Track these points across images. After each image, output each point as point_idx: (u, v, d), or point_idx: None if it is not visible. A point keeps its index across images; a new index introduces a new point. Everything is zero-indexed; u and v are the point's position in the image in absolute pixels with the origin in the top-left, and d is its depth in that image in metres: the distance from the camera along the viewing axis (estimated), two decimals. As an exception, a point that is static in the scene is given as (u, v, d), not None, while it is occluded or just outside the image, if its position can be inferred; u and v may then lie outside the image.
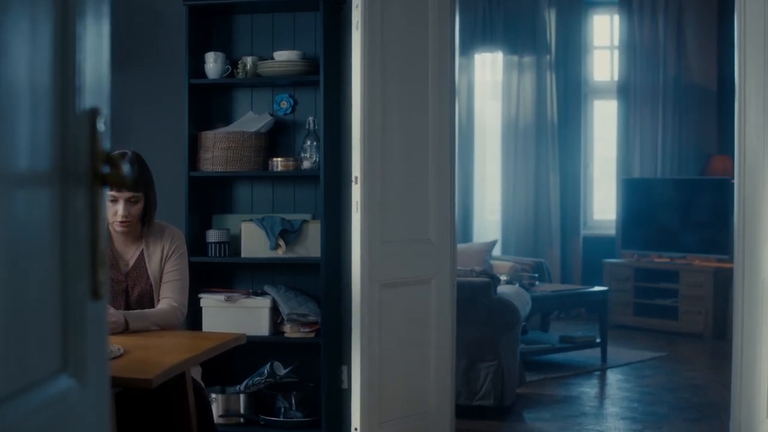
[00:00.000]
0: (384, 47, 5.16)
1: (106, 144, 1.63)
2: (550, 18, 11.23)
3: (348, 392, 5.45)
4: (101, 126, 1.61)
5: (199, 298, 5.68)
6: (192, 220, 5.71)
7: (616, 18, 11.34)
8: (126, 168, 4.12)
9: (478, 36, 11.24)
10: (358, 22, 5.02)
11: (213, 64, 5.72)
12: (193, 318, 5.64)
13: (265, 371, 5.50)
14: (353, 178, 5.07)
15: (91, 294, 1.62)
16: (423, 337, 5.45)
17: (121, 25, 6.03)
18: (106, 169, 1.60)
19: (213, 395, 5.59)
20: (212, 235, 5.71)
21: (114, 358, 3.35)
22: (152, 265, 4.28)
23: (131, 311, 4.08)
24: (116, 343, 3.58)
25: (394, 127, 5.25)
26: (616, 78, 11.37)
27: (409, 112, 5.35)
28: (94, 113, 1.60)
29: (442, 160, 5.51)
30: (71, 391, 1.54)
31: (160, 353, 3.60)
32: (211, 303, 5.67)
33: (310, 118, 5.73)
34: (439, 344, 5.52)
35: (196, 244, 5.71)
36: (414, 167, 5.38)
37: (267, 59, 5.74)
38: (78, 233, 1.57)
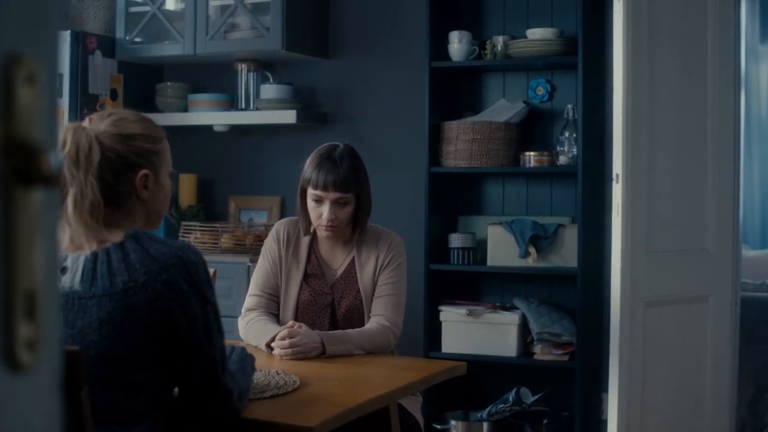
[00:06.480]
0: (651, 24, 4.43)
1: (43, 116, 0.97)
2: None
3: (611, 423, 4.72)
4: (27, 86, 0.95)
5: (439, 311, 5.05)
6: (433, 221, 5.08)
7: None
8: (342, 166, 3.58)
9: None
10: (619, -7, 4.31)
11: (458, 44, 5.06)
12: (431, 333, 5.06)
13: (510, 398, 4.81)
14: (614, 176, 4.38)
15: (5, 361, 0.96)
16: (697, 362, 4.70)
17: (354, 3, 5.50)
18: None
19: (453, 422, 4.96)
20: (455, 240, 5.05)
21: (282, 394, 2.73)
22: (364, 276, 3.64)
23: (330, 332, 3.45)
24: (296, 373, 2.97)
25: (664, 117, 4.51)
26: None
27: (683, 100, 4.60)
28: (11, 63, 0.94)
29: (724, 157, 4.67)
30: None
31: (348, 388, 2.95)
32: (451, 317, 5.02)
33: (569, 107, 4.99)
34: (717, 371, 4.74)
35: (436, 250, 5.10)
36: (688, 165, 4.61)
37: (519, 39, 5.03)
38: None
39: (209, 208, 5.92)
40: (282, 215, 5.58)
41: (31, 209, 0.95)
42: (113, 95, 5.61)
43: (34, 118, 0.95)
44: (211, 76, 5.88)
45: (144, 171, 2.34)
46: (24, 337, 0.95)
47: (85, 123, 2.32)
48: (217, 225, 5.49)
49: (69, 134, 2.23)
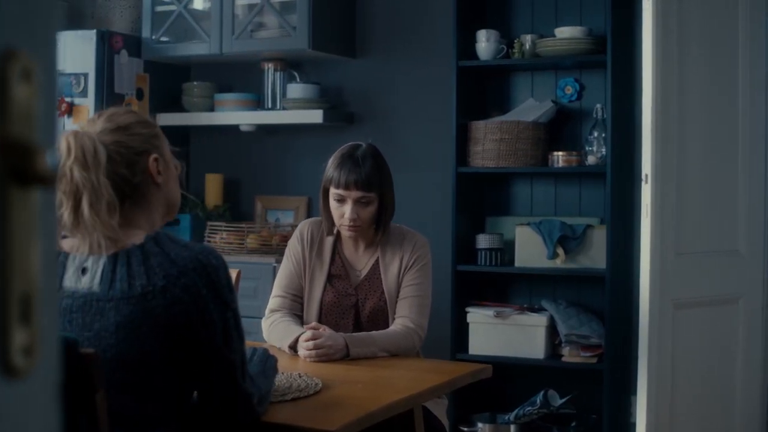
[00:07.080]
0: (681, 23, 4.38)
1: (41, 115, 0.94)
2: None
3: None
4: (23, 84, 0.92)
5: (466, 313, 5.00)
6: (460, 222, 5.04)
7: None
8: (365, 165, 3.55)
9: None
10: (649, -9, 4.25)
11: (485, 43, 5.02)
12: (458, 335, 5.02)
13: (538, 400, 4.75)
14: (643, 177, 4.32)
15: (0, 367, 0.93)
16: (727, 366, 4.63)
17: (381, 2, 5.47)
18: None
19: (479, 424, 4.92)
20: (483, 241, 5.00)
21: (304, 397, 2.69)
22: (388, 277, 3.59)
23: (354, 334, 3.41)
24: (319, 375, 2.93)
25: (694, 117, 4.45)
26: None
27: (713, 100, 4.54)
28: (5, 59, 0.91)
29: (755, 157, 4.63)
30: None
31: (371, 391, 2.90)
32: (478, 318, 4.97)
33: (598, 106, 4.94)
34: (747, 374, 4.68)
35: (464, 251, 5.05)
36: (718, 165, 4.55)
37: (547, 37, 4.97)
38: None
39: (235, 208, 5.89)
40: (308, 215, 5.55)
41: (27, 210, 0.92)
42: (139, 95, 5.59)
43: (31, 116, 0.92)
44: (237, 76, 5.85)
45: (153, 155, 2.31)
46: (20, 342, 0.92)
47: (78, 128, 2.30)
48: (243, 225, 5.46)
49: (71, 139, 2.19)
